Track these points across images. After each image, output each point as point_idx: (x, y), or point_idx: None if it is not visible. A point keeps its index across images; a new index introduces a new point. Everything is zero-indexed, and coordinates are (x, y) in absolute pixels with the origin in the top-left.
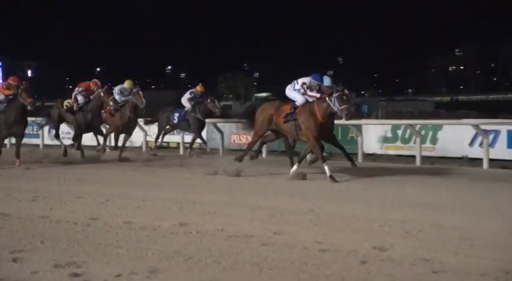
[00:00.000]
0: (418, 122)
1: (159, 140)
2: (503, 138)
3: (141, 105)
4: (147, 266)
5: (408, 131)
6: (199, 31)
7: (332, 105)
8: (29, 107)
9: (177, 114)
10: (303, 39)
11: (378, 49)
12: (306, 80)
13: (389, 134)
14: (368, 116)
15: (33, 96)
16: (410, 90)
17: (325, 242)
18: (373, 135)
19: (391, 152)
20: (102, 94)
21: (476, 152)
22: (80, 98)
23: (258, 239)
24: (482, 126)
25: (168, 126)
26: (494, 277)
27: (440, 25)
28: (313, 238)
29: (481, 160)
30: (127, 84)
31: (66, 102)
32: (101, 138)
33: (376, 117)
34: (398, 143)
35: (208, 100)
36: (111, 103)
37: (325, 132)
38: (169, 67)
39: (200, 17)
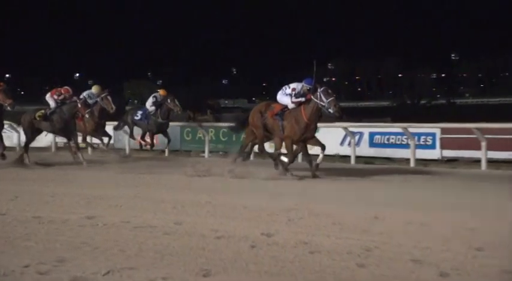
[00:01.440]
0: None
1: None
2: (366, 139)
3: (111, 110)
4: (55, 256)
5: None
6: (108, 40)
7: (318, 101)
8: (8, 108)
9: (140, 112)
10: (199, 50)
11: (265, 60)
12: (297, 85)
13: None
14: None
15: (12, 97)
16: None
17: (220, 230)
18: None
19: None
20: (79, 105)
21: (346, 150)
22: (52, 103)
23: (160, 229)
24: (350, 129)
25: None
26: (357, 253)
27: (315, 43)
28: (210, 226)
29: (349, 156)
30: (95, 89)
31: (38, 113)
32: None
33: None
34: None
35: (168, 100)
36: (86, 116)
37: (309, 134)
38: (77, 74)
39: (107, 28)
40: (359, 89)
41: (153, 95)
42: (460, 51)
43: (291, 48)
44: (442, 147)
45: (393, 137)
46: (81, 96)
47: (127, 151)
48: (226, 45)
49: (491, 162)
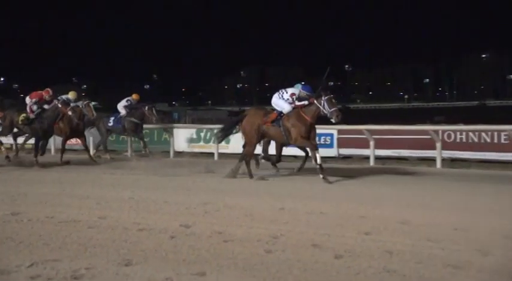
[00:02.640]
0: (215, 127)
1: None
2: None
3: (92, 117)
4: None
5: (208, 134)
6: (32, 46)
7: (322, 108)
8: None
9: (112, 118)
10: (120, 57)
11: (190, 68)
12: (295, 91)
13: (194, 136)
14: (178, 121)
15: None
16: (209, 102)
17: (142, 223)
18: (182, 137)
19: (196, 150)
20: (59, 105)
21: (256, 149)
22: (35, 108)
23: (85, 224)
24: None
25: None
26: (265, 241)
27: (229, 54)
28: (132, 220)
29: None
30: (71, 95)
31: (21, 117)
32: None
33: (185, 123)
34: (202, 143)
35: (146, 108)
36: (69, 113)
37: (312, 133)
38: (1, 78)
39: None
40: (268, 95)
41: (126, 99)
42: (353, 63)
43: (206, 58)
44: (339, 146)
45: None
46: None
47: (108, 156)
48: (147, 53)
49: (378, 159)
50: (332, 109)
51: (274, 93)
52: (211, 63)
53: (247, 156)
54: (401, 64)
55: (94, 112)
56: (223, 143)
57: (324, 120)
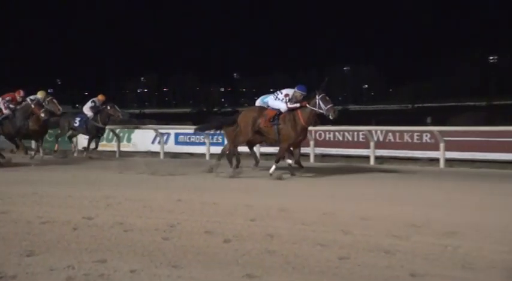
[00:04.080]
0: (117, 127)
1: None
2: (172, 138)
3: (58, 112)
4: None
5: (111, 134)
6: None
7: (317, 108)
8: None
9: (78, 119)
10: (22, 62)
11: (94, 70)
12: (289, 91)
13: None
14: None
15: None
16: None
17: (45, 216)
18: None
19: (101, 148)
20: (33, 106)
21: (156, 147)
22: (11, 106)
23: None
24: (160, 130)
25: (70, 131)
26: (163, 230)
27: (131, 60)
28: (35, 214)
29: (159, 152)
30: (40, 94)
31: None
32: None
33: None
34: (105, 142)
35: (108, 107)
36: (42, 115)
37: (302, 137)
38: None
39: None
40: (166, 98)
41: (91, 100)
42: (241, 72)
43: (109, 63)
44: None
45: (193, 137)
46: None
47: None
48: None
49: (263, 155)
50: (328, 106)
51: (169, 97)
52: (113, 68)
53: (233, 148)
54: (283, 72)
55: (59, 107)
56: (125, 142)
57: None
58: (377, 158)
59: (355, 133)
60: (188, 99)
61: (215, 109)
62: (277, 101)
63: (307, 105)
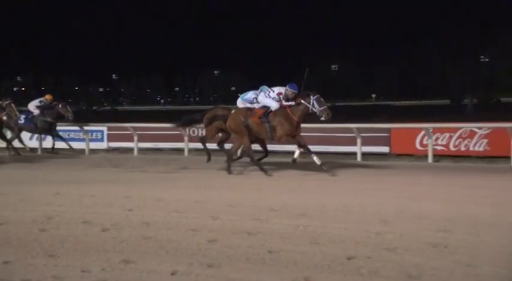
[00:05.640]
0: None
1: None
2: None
3: (15, 117)
4: None
5: None
6: None
7: (311, 107)
8: None
9: (23, 116)
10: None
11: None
12: (282, 89)
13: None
14: None
15: None
16: None
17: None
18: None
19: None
20: None
21: (35, 143)
22: None
23: None
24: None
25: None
26: (40, 221)
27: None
28: None
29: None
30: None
31: None
32: None
33: None
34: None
35: (60, 105)
36: (4, 118)
37: (298, 131)
38: None
39: None
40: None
41: (38, 99)
42: (119, 73)
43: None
44: (109, 140)
45: (73, 133)
46: None
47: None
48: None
49: (140, 150)
50: (322, 108)
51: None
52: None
53: (248, 149)
54: (156, 75)
55: (17, 112)
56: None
57: (96, 119)
58: None
59: None
60: (67, 99)
61: (94, 107)
62: (268, 99)
63: (302, 101)
